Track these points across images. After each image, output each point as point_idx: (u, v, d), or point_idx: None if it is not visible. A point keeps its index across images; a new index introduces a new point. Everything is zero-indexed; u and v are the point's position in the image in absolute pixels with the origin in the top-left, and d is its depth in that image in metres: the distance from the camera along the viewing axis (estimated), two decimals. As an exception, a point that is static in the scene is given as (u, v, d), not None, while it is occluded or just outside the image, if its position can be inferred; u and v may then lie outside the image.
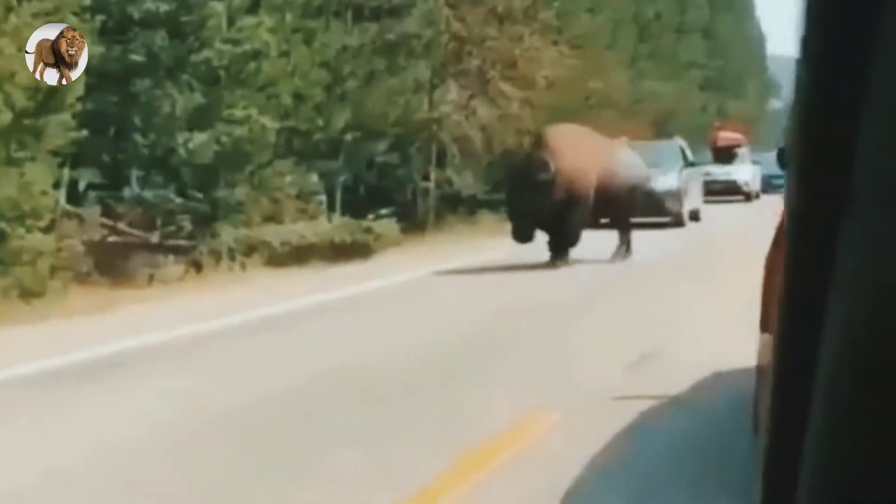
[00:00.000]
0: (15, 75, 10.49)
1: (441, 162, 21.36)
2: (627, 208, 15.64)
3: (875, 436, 0.76)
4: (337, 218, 17.93)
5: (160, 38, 14.05)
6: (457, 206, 21.72)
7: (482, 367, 7.94)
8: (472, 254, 16.06)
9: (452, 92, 21.14)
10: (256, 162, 15.64)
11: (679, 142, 23.93)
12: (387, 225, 18.01)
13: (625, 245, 15.40)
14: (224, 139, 14.63)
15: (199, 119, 14.40)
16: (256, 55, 15.06)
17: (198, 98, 14.34)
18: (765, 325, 4.74)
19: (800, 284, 0.82)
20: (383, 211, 18.44)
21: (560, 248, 14.61)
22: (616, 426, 5.74)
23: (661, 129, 27.39)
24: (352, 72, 18.42)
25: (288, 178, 16.87)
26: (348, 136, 18.65)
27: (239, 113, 14.84)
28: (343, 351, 8.77)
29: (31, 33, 10.93)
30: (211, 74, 14.56)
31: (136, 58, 13.90)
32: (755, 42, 55.76)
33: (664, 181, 21.16)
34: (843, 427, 0.77)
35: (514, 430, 6.03)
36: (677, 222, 21.38)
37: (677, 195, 21.60)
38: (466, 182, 21.82)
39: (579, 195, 14.66)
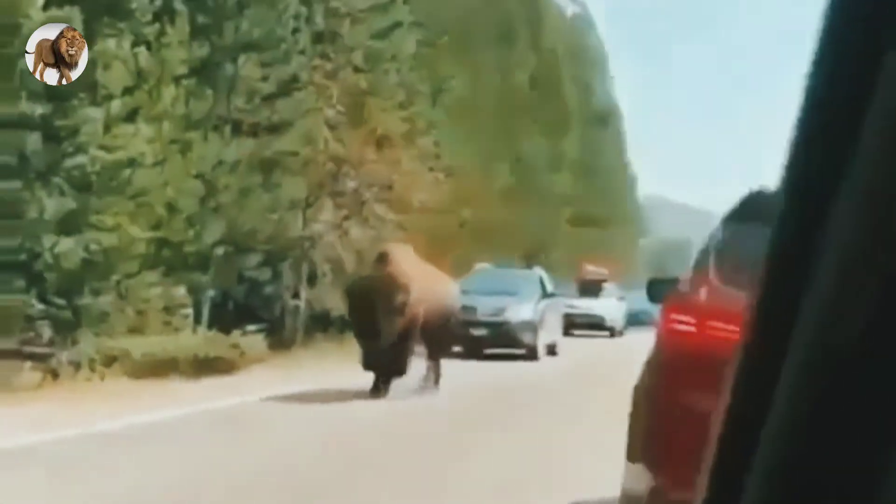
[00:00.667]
0: None
1: (312, 281, 21.30)
2: (447, 337, 15.46)
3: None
4: (203, 332, 17.67)
5: (33, 140, 13.84)
6: (326, 326, 21.61)
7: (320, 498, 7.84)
8: (339, 374, 15.95)
9: (327, 211, 21.22)
10: (124, 271, 15.38)
11: (538, 272, 23.57)
12: (253, 341, 17.81)
13: (434, 375, 14.85)
14: (92, 246, 14.38)
15: (68, 224, 14.15)
16: (131, 163, 14.93)
17: (68, 203, 14.11)
18: (631, 455, 4.78)
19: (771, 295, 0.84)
20: (251, 327, 18.24)
21: (391, 377, 13.86)
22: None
23: (532, 260, 27.81)
24: (227, 185, 18.35)
25: (155, 290, 16.60)
26: (219, 250, 18.50)
27: (109, 220, 14.62)
28: (193, 466, 8.58)
29: None
30: (83, 180, 14.36)
31: (6, 159, 13.64)
32: (626, 181, 57.43)
33: (519, 311, 20.77)
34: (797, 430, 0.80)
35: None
36: (531, 355, 20.73)
37: (532, 327, 20.97)
38: (337, 302, 21.76)
39: (414, 322, 13.88)
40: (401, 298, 13.26)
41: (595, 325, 30.73)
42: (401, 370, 13.91)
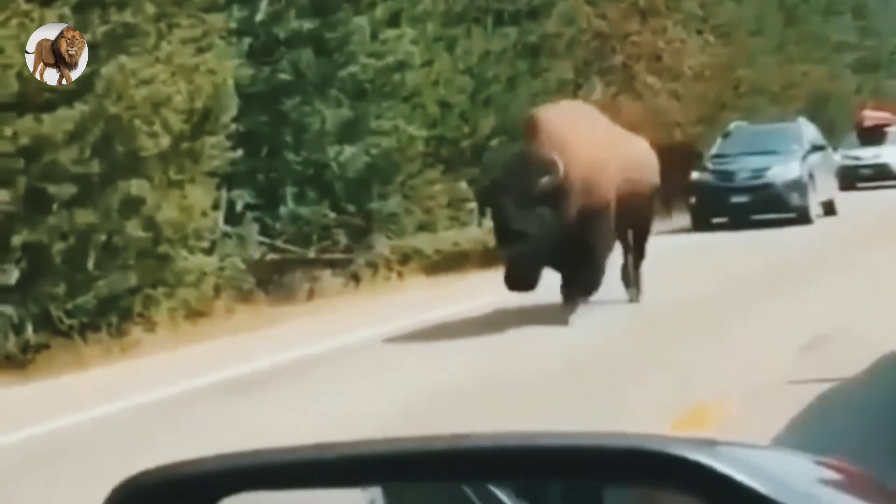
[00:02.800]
0: (171, 100, 10.77)
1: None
2: (647, 226, 11.72)
3: None
4: (487, 223, 17.91)
5: (306, 56, 14.24)
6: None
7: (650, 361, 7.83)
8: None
9: (597, 89, 20.94)
10: (406, 172, 15.73)
11: (802, 123, 21.22)
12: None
13: (634, 280, 11.40)
14: (374, 151, 14.76)
15: (349, 133, 14.56)
16: (400, 66, 15.16)
17: (346, 112, 14.50)
18: None
19: None
20: (534, 214, 18.33)
21: (579, 287, 10.32)
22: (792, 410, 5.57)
23: (815, 114, 26.56)
24: (495, 76, 18.39)
25: (438, 187, 16.92)
26: (495, 142, 18.61)
27: (386, 124, 14.95)
28: (514, 350, 8.74)
29: (183, 59, 11.24)
30: (357, 88, 14.70)
31: (284, 77, 14.11)
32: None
33: (784, 170, 18.96)
34: None
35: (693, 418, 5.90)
36: (803, 218, 18.73)
37: (801, 186, 18.93)
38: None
39: (599, 207, 10.14)
40: (546, 182, 9.48)
41: (882, 174, 28.25)
42: (596, 275, 10.36)
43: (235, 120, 12.31)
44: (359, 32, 14.61)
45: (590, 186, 9.90)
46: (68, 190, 10.14)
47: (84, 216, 10.25)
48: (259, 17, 14.09)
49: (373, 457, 1.39)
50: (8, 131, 9.79)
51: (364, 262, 14.75)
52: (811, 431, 5.26)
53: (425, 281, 14.61)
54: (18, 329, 9.97)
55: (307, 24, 14.34)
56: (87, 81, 10.28)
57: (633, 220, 11.08)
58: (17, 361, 9.70)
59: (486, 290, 13.01)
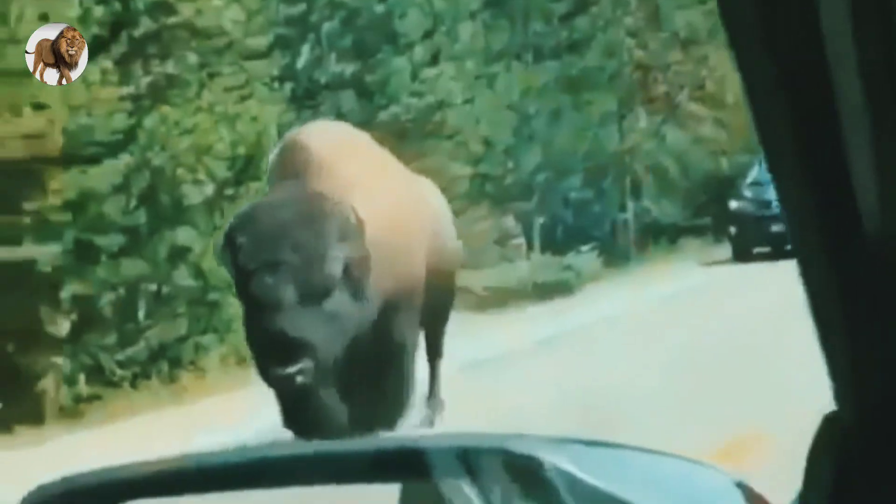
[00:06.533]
0: (212, 148, 10.89)
1: (636, 192, 21.10)
2: (448, 310, 7.82)
3: None
4: (537, 258, 17.90)
5: (348, 98, 14.35)
6: (658, 236, 21.37)
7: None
8: (676, 282, 15.74)
9: (641, 120, 20.90)
10: (451, 210, 15.74)
11: None
12: (587, 261, 17.86)
13: (435, 384, 7.79)
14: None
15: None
16: (441, 105, 15.23)
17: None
18: None
19: None
20: (583, 247, 18.30)
21: (380, 415, 6.49)
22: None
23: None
24: (537, 111, 18.43)
25: (484, 224, 16.95)
26: (540, 177, 18.63)
27: (429, 163, 14.99)
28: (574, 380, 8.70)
29: (225, 107, 11.37)
30: (399, 128, 14.79)
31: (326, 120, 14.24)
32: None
33: None
34: None
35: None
36: None
37: None
38: (665, 210, 21.46)
39: (408, 291, 6.59)
40: (347, 250, 5.94)
41: None
42: (406, 392, 6.74)
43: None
44: (399, 73, 14.72)
45: (397, 257, 6.24)
46: (116, 241, 10.27)
47: (132, 267, 10.37)
48: (301, 62, 14.24)
49: (241, 463, 1.56)
50: (54, 185, 9.94)
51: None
52: None
53: (478, 318, 14.52)
54: (71, 380, 10.07)
55: (348, 68, 14.47)
56: (130, 133, 10.43)
57: (434, 307, 7.23)
58: (69, 412, 9.78)
59: (539, 323, 12.91)
